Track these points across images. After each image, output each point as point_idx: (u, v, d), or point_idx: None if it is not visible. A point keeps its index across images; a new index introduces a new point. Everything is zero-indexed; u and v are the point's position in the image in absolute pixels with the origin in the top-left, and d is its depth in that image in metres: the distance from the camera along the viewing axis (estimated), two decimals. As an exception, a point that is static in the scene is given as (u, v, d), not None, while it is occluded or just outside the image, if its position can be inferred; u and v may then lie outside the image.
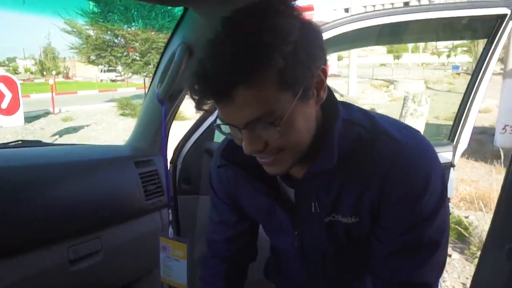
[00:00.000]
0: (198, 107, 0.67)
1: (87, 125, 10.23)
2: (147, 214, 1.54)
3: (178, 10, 1.37)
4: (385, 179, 0.72)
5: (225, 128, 0.71)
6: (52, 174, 1.29)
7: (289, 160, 0.71)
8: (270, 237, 1.01)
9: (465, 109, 1.60)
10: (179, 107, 1.51)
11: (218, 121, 0.71)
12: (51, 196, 1.25)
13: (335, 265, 0.90)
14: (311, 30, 0.66)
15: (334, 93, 0.77)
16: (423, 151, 0.74)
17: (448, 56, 40.53)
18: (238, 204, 0.96)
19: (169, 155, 1.69)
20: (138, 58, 15.08)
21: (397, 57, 46.18)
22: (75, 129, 9.75)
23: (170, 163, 1.71)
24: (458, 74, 27.38)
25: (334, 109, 0.75)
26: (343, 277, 0.93)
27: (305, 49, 0.63)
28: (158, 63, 1.38)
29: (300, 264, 0.92)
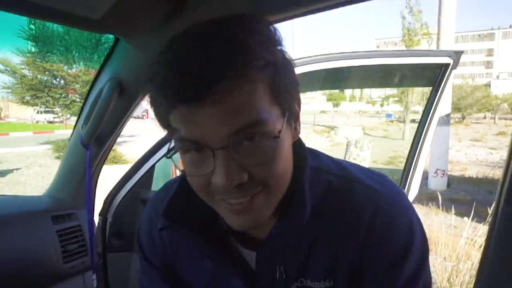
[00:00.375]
0: (164, 116, 0.52)
1: (16, 169, 9.55)
2: (66, 279, 1.29)
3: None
4: (367, 234, 0.60)
5: (188, 158, 0.54)
6: None
7: (266, 207, 0.56)
8: None
9: (414, 155, 1.58)
10: (109, 151, 1.33)
11: (178, 147, 0.54)
12: None
13: None
14: (288, 57, 0.57)
15: None
16: (402, 201, 0.64)
17: (381, 105, 43.68)
18: (176, 272, 0.77)
19: (98, 206, 1.48)
20: (78, 99, 14.56)
21: (336, 105, 48.90)
22: (2, 173, 9.04)
23: (99, 215, 1.50)
24: (392, 121, 29.50)
25: (302, 154, 0.64)
26: None
27: (288, 69, 0.56)
28: (84, 101, 1.20)
29: None
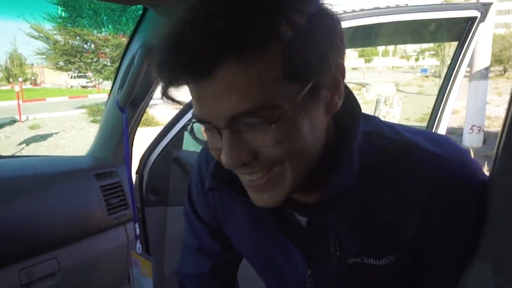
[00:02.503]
0: (166, 89, 0.49)
1: (56, 133, 9.91)
2: (110, 229, 1.43)
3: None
4: (430, 203, 0.55)
5: (201, 134, 0.54)
6: (1, 190, 1.18)
7: (289, 180, 0.52)
8: (266, 279, 0.79)
9: (438, 112, 1.58)
10: (143, 114, 1.42)
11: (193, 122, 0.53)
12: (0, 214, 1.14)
13: None
14: (331, 15, 0.50)
15: None
16: (468, 164, 0.57)
17: (417, 59, 41.72)
18: (224, 232, 0.76)
19: (135, 164, 1.60)
20: (109, 63, 14.82)
21: (368, 61, 47.18)
22: (43, 137, 9.42)
23: (136, 173, 1.62)
24: (427, 76, 28.24)
25: (354, 119, 0.58)
26: None
27: (322, 31, 0.47)
28: (118, 68, 1.29)
29: None
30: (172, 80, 0.47)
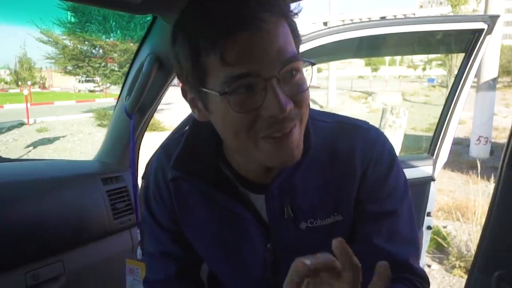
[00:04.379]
0: (209, 58, 0.57)
1: (63, 136, 9.99)
2: (115, 234, 1.44)
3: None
4: (367, 165, 0.70)
5: (233, 99, 0.57)
6: (9, 193, 1.19)
7: (301, 138, 0.63)
8: (225, 275, 0.83)
9: (444, 122, 1.59)
10: (150, 120, 1.44)
11: (226, 86, 0.56)
12: (7, 217, 1.15)
13: None
14: None
15: (314, 105, 0.72)
16: (379, 130, 0.76)
17: (424, 69, 41.68)
18: (183, 230, 0.80)
19: (142, 170, 1.61)
20: (116, 68, 14.93)
21: (375, 70, 47.18)
22: (50, 141, 9.50)
23: (142, 178, 1.63)
24: (434, 86, 28.15)
25: None
26: None
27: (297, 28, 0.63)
28: (127, 75, 1.30)
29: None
30: (234, 27, 0.54)
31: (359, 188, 0.71)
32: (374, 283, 0.47)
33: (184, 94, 0.66)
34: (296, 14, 0.62)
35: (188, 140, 0.74)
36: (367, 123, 0.76)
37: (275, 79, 0.56)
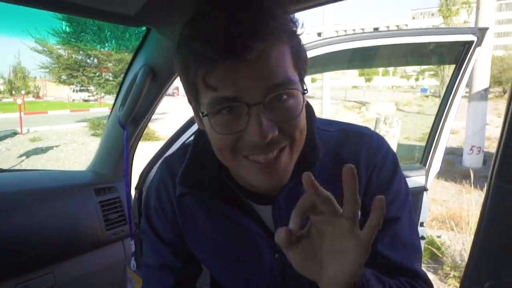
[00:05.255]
0: (201, 77, 0.57)
1: (56, 146, 9.92)
2: (108, 244, 1.43)
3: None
4: (372, 171, 0.71)
5: (219, 119, 0.58)
6: (1, 204, 1.18)
7: (290, 162, 0.63)
8: (230, 285, 0.83)
9: (436, 132, 1.60)
10: (144, 131, 1.44)
11: (210, 108, 0.58)
12: (-2, 228, 1.14)
13: None
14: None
15: None
16: (379, 136, 0.77)
17: (417, 79, 42.08)
18: (187, 242, 0.80)
19: (135, 180, 1.60)
20: (111, 78, 14.93)
21: (369, 80, 47.57)
22: (43, 150, 9.42)
23: (136, 188, 1.62)
24: (427, 96, 28.42)
25: (311, 113, 0.73)
26: None
27: (303, 45, 0.63)
28: (121, 86, 1.31)
29: None
30: (217, 54, 0.54)
31: (364, 194, 0.71)
32: (371, 216, 0.51)
33: (189, 101, 0.67)
34: (297, 34, 0.61)
35: (193, 154, 0.74)
36: (369, 129, 0.77)
37: (259, 105, 0.56)
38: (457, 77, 1.52)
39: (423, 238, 1.61)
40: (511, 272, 0.60)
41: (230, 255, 0.77)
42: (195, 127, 1.48)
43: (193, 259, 0.83)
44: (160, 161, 0.83)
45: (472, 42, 1.46)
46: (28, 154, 8.98)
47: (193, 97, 0.62)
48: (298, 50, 0.61)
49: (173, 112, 16.63)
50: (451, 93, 1.55)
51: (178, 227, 0.79)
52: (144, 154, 2.67)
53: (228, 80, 0.55)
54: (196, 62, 0.56)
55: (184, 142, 1.56)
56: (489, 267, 0.63)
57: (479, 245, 0.66)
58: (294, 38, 0.60)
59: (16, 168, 7.31)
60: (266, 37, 0.54)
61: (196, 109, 0.65)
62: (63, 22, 13.54)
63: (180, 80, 0.64)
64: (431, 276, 3.18)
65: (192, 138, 1.82)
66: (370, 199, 0.69)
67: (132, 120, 1.29)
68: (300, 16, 0.66)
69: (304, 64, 0.63)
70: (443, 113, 1.57)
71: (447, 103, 1.56)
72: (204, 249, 0.79)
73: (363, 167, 0.71)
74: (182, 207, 0.77)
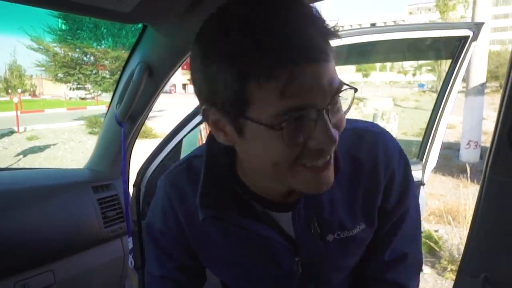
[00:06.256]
0: (267, 91, 0.51)
1: (53, 144, 9.90)
2: (107, 242, 1.44)
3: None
4: (391, 173, 0.71)
5: (279, 134, 0.53)
6: (-1, 203, 1.18)
7: (334, 164, 0.62)
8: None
9: (432, 127, 1.61)
10: (141, 128, 1.44)
11: (279, 118, 0.52)
12: (-3, 226, 1.14)
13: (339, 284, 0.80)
14: None
15: None
16: (387, 132, 0.76)
17: (414, 74, 42.16)
18: (199, 255, 0.78)
19: (133, 177, 1.61)
20: (108, 76, 14.89)
21: (366, 76, 47.60)
22: (40, 149, 9.40)
23: (133, 186, 1.62)
24: (424, 91, 28.47)
25: None
26: None
27: None
28: (117, 83, 1.31)
29: None
30: (300, 58, 0.50)
31: (383, 196, 0.71)
32: None
33: (207, 117, 0.60)
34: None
35: (208, 171, 0.69)
36: (378, 127, 0.75)
37: (325, 110, 0.53)
38: (453, 72, 1.53)
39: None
40: (505, 264, 0.61)
41: (248, 265, 0.75)
42: (192, 125, 1.47)
43: (199, 271, 0.82)
44: (162, 179, 0.78)
45: (468, 37, 1.46)
46: (25, 153, 8.96)
47: (239, 110, 0.55)
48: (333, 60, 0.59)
49: (171, 109, 16.61)
50: (447, 88, 1.56)
51: (188, 246, 0.76)
52: (141, 151, 2.67)
53: (306, 86, 0.51)
54: (268, 69, 0.50)
55: (180, 139, 1.55)
56: (484, 259, 0.64)
57: (474, 238, 0.67)
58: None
59: (13, 167, 7.30)
60: (331, 38, 0.54)
61: (224, 124, 0.59)
62: (59, 19, 13.47)
63: (213, 91, 0.56)
64: (428, 270, 3.20)
65: (191, 148, 1.82)
66: (388, 203, 0.72)
67: (129, 117, 1.29)
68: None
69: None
70: (439, 108, 1.58)
71: (443, 98, 1.57)
72: (218, 262, 0.77)
73: (381, 171, 0.70)
74: (193, 226, 0.74)
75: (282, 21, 0.50)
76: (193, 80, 0.59)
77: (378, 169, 0.70)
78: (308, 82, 0.51)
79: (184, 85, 37.54)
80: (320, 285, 0.76)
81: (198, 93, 0.60)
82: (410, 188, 0.75)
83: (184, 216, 0.74)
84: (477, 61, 7.26)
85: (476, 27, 1.45)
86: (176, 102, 16.50)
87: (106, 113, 1.46)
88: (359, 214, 0.71)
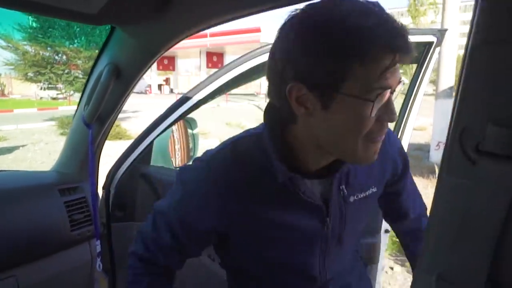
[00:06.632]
0: (369, 70, 0.61)
1: (22, 146, 9.58)
2: (74, 246, 1.41)
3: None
4: (398, 155, 0.93)
5: (365, 106, 0.64)
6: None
7: None
8: (281, 258, 0.87)
9: (400, 128, 1.65)
10: (110, 129, 1.42)
11: (375, 93, 0.63)
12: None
13: (349, 251, 0.96)
14: None
15: None
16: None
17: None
18: (230, 225, 0.81)
19: (103, 180, 1.58)
20: (81, 75, 14.55)
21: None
22: (9, 150, 9.08)
23: (103, 188, 1.60)
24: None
25: None
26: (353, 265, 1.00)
27: None
28: (85, 84, 1.29)
29: (318, 258, 0.86)
30: (398, 45, 0.60)
31: (392, 170, 0.92)
32: None
33: (290, 93, 0.66)
34: None
35: (272, 141, 0.76)
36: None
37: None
38: (419, 76, 1.57)
39: (387, 231, 1.66)
40: (457, 262, 0.63)
41: (286, 227, 0.80)
42: (163, 126, 1.45)
43: (206, 243, 0.89)
44: (227, 144, 0.81)
45: (432, 42, 1.51)
46: (-8, 154, 8.64)
47: (333, 84, 0.63)
48: None
49: (146, 110, 16.38)
50: (413, 91, 1.61)
51: (221, 215, 0.79)
52: (115, 153, 2.63)
53: (396, 70, 0.63)
54: (378, 50, 0.60)
55: (151, 141, 1.53)
56: (439, 257, 0.67)
57: (429, 237, 0.69)
58: None
59: (-21, 169, 6.99)
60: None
61: (309, 98, 0.66)
62: (30, 17, 13.08)
63: (304, 66, 0.63)
64: (399, 268, 3.28)
65: (162, 150, 1.78)
66: (397, 177, 0.95)
67: (97, 118, 1.27)
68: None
69: None
70: (405, 111, 1.63)
71: (410, 100, 1.62)
72: (257, 230, 0.81)
73: (390, 148, 0.89)
74: (239, 193, 0.78)
75: (388, 18, 0.61)
76: (276, 62, 0.67)
77: (388, 149, 0.86)
78: (396, 67, 0.63)
79: (159, 86, 37.04)
80: (340, 246, 0.87)
81: (280, 73, 0.66)
82: (408, 166, 0.98)
83: (229, 191, 0.77)
84: (446, 65, 7.52)
85: (440, 34, 1.50)
86: (151, 103, 16.27)
87: (74, 115, 1.43)
88: (373, 179, 0.86)
